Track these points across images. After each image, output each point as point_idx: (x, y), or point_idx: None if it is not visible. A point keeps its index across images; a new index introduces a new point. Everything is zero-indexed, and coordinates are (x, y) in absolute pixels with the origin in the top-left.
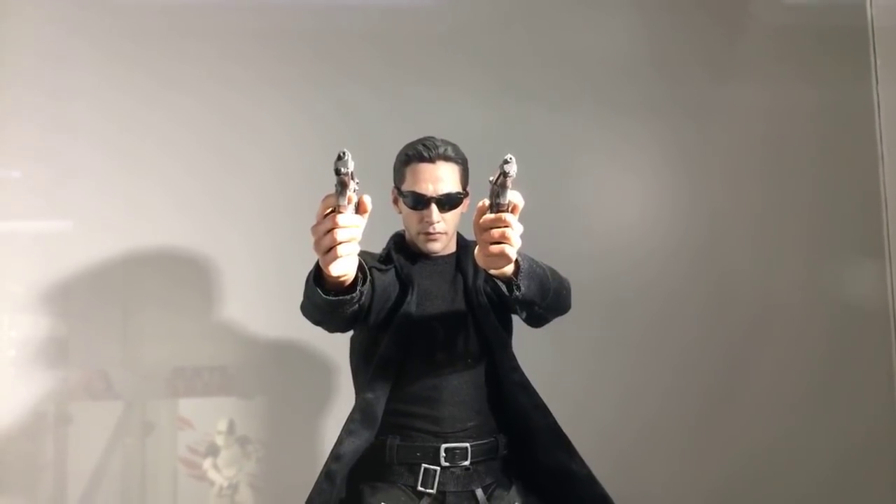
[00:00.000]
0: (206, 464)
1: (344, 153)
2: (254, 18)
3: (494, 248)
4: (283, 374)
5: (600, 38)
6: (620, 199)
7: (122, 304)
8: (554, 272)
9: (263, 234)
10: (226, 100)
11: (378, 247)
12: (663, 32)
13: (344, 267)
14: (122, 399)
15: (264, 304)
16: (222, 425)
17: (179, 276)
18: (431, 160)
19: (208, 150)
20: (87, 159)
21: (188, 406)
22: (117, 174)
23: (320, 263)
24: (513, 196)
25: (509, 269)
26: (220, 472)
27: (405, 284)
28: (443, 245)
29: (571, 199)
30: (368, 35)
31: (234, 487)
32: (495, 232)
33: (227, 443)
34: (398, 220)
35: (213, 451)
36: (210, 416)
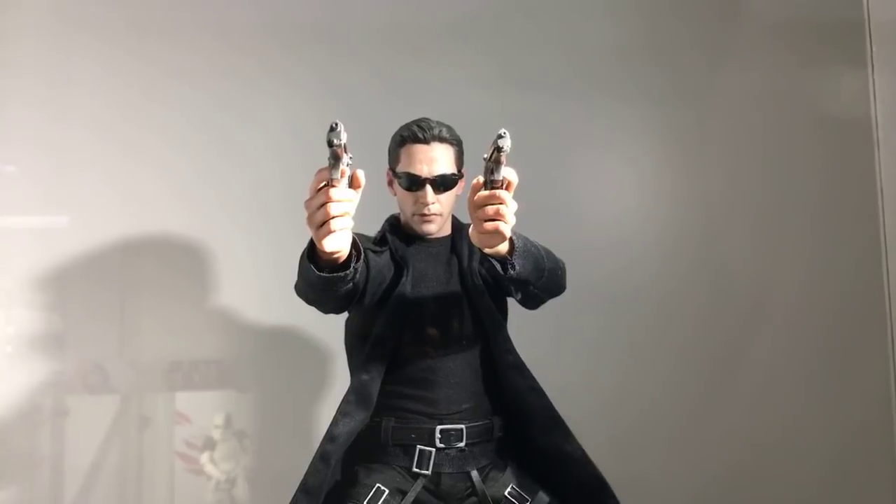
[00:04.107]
0: (203, 458)
1: (336, 124)
2: (252, 5)
3: (489, 226)
4: (279, 368)
5: (598, 25)
6: (617, 186)
7: (118, 297)
8: (549, 252)
9: (262, 228)
10: (223, 88)
11: (374, 230)
12: (661, 20)
13: (337, 242)
14: (119, 393)
15: (262, 299)
16: (219, 419)
17: (177, 270)
18: (426, 141)
19: (206, 139)
20: (83, 151)
21: (185, 400)
22: (114, 166)
23: (313, 239)
24: (507, 173)
25: (503, 247)
26: (217, 467)
27: (400, 266)
28: (438, 227)
29: (566, 185)
30: (367, 21)
31: (231, 481)
32: (489, 209)
33: (223, 437)
34: (393, 203)
35: (209, 445)
36: (207, 410)
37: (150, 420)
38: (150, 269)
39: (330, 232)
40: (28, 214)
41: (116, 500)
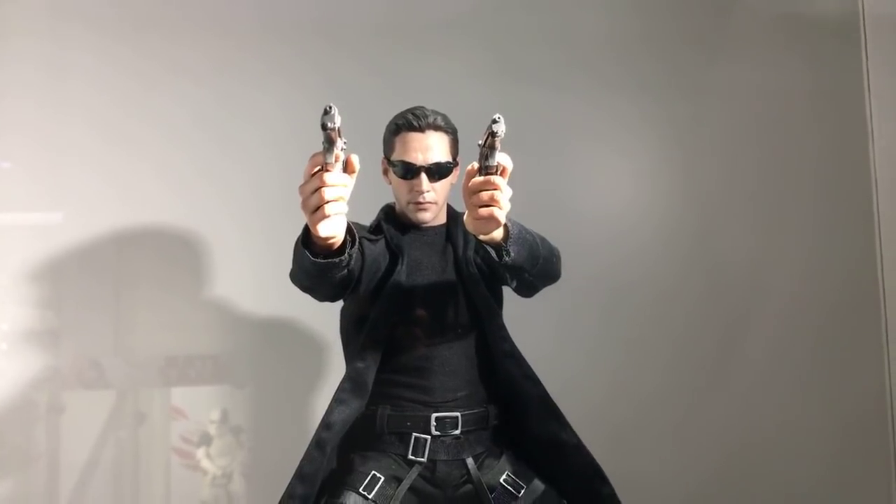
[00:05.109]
0: (200, 453)
1: (330, 107)
2: (251, 0)
3: (483, 211)
4: (276, 364)
5: (594, 18)
6: (614, 180)
7: (114, 293)
8: (543, 239)
9: (259, 224)
10: (221, 82)
11: (369, 221)
12: (657, 14)
13: (332, 227)
14: (115, 388)
15: (258, 294)
16: (215, 414)
17: (173, 266)
18: (421, 129)
19: (203, 134)
20: (79, 147)
21: (181, 395)
22: (110, 162)
23: (308, 224)
24: (502, 158)
25: (498, 233)
26: (213, 462)
27: (395, 255)
28: (433, 215)
29: (563, 178)
30: (366, 17)
31: (227, 477)
32: (484, 195)
33: (220, 432)
34: (389, 192)
35: (206, 440)
36: (203, 406)
37: (146, 416)
38: (146, 264)
39: (324, 217)
40: (23, 211)
41: (112, 496)
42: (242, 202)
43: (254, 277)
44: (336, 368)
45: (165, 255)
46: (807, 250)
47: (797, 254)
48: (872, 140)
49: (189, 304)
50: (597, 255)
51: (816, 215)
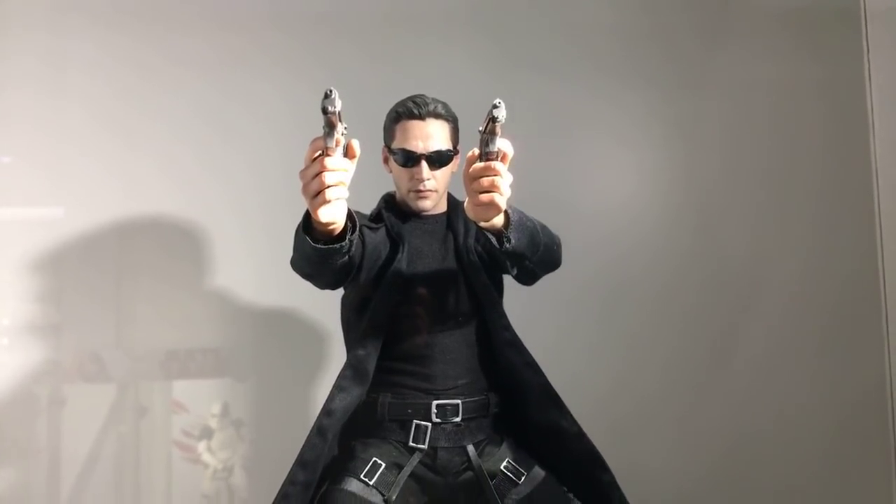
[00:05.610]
0: (201, 447)
1: (331, 91)
2: None
3: (484, 198)
4: (277, 357)
5: (597, 8)
6: (615, 172)
7: (115, 286)
8: (544, 227)
9: (260, 215)
10: (223, 73)
11: (370, 209)
12: (659, 5)
13: (332, 213)
14: (116, 382)
15: (259, 288)
16: (216, 408)
17: (173, 259)
18: (421, 117)
19: (205, 126)
20: (80, 140)
21: (182, 389)
22: (111, 155)
23: (309, 209)
24: (502, 144)
25: (499, 220)
26: (214, 455)
27: (396, 243)
28: (433, 203)
29: (564, 170)
30: (367, 4)
31: (228, 470)
32: (485, 181)
33: (221, 425)
34: (390, 181)
35: (207, 433)
36: (204, 399)
37: (147, 409)
38: (147, 257)
39: (325, 201)
40: (24, 204)
41: (113, 490)
42: (244, 194)
43: (255, 271)
44: (337, 360)
45: (167, 249)
46: (808, 245)
47: (798, 248)
48: (874, 133)
49: (190, 298)
50: (598, 248)
51: (818, 209)
